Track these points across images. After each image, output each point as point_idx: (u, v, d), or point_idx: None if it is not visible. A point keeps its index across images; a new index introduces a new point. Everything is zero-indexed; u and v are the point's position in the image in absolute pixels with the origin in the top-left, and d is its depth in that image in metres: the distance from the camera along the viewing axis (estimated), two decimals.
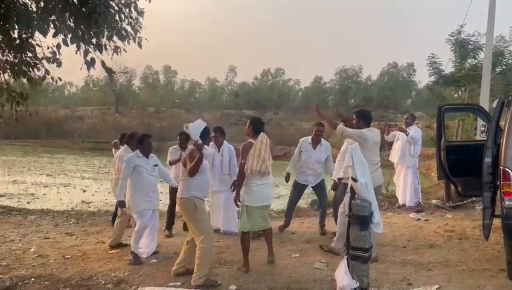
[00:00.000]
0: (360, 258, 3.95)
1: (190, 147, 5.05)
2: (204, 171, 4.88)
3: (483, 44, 13.30)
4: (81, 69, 4.55)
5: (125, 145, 6.51)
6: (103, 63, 4.61)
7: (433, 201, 8.90)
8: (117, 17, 4.88)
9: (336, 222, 6.79)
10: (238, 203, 5.26)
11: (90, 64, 4.50)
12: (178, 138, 6.85)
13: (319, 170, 6.78)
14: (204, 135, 4.89)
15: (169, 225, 6.94)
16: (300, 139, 6.88)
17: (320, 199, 7.09)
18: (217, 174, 6.66)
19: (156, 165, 5.70)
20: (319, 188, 6.89)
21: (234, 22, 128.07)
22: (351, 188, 4.29)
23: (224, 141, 6.77)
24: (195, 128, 4.82)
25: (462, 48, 15.65)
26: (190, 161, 4.72)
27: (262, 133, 5.15)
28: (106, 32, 4.71)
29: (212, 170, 6.70)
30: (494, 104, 5.54)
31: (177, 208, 5.74)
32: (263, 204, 5.17)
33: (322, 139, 6.73)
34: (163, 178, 6.08)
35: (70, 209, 9.77)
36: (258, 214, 5.15)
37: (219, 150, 6.71)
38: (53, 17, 4.26)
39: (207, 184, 5.09)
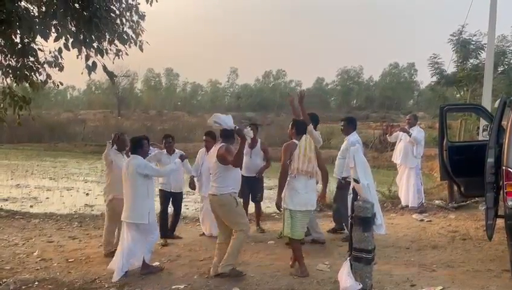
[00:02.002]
0: (363, 260, 3.95)
1: (221, 144, 4.97)
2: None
3: (485, 44, 13.25)
4: (82, 73, 4.57)
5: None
6: (104, 67, 4.63)
7: (436, 202, 8.86)
8: (118, 21, 4.90)
9: (335, 221, 6.80)
10: (281, 208, 5.04)
11: (91, 68, 4.52)
12: (164, 142, 6.73)
13: None
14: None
15: (172, 229, 6.82)
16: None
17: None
18: (205, 180, 6.51)
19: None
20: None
21: (235, 24, 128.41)
22: (353, 189, 4.29)
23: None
24: (226, 118, 4.92)
25: (464, 47, 15.58)
26: (230, 155, 4.75)
27: (305, 134, 5.16)
28: (107, 36, 4.73)
29: (199, 176, 6.72)
30: (496, 104, 5.53)
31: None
32: (306, 209, 4.96)
33: None
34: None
35: (73, 212, 9.77)
36: (302, 219, 4.96)
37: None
38: (55, 21, 4.28)
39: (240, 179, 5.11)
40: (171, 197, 6.75)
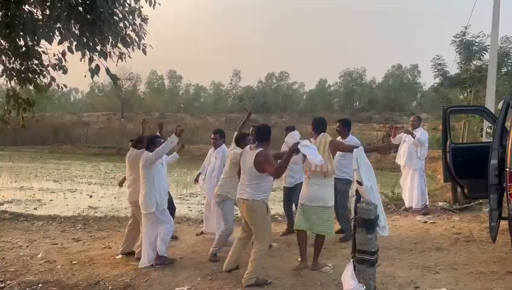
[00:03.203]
0: (366, 262, 3.94)
1: (258, 149, 4.75)
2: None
3: (488, 45, 13.24)
4: (85, 76, 4.59)
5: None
6: (108, 70, 4.64)
7: (440, 203, 8.85)
8: (121, 24, 4.92)
9: (340, 223, 6.78)
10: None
11: (94, 71, 4.53)
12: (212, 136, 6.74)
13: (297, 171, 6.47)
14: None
15: None
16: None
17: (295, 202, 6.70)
18: (208, 179, 6.51)
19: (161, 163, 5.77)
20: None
21: (238, 25, 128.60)
22: (357, 191, 4.29)
23: (223, 145, 6.59)
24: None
25: (467, 49, 15.57)
26: (269, 164, 4.61)
27: (323, 133, 5.21)
28: (111, 39, 4.74)
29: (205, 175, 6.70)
30: (500, 106, 5.52)
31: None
32: (318, 205, 5.05)
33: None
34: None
35: (77, 214, 9.79)
36: (313, 214, 5.07)
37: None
38: (58, 24, 4.29)
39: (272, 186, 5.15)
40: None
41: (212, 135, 6.65)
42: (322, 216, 5.07)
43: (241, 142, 5.69)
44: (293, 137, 5.99)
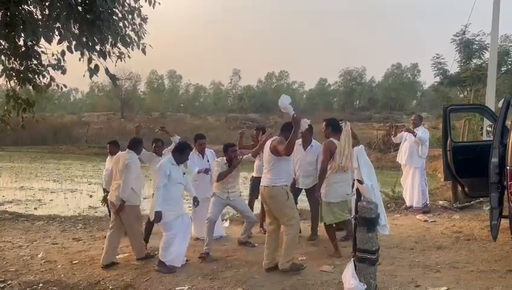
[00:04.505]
0: (367, 261, 3.94)
1: (275, 137, 5.14)
2: (290, 158, 5.12)
3: (488, 44, 13.24)
4: (83, 76, 4.58)
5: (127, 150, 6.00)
6: (107, 70, 4.63)
7: (440, 202, 8.84)
8: (121, 24, 4.90)
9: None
10: (320, 199, 5.57)
11: (93, 71, 4.52)
12: (154, 145, 6.81)
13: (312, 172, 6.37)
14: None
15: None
16: None
17: (311, 203, 6.58)
18: (200, 182, 6.48)
19: (184, 174, 5.58)
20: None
21: (238, 25, 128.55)
22: (357, 190, 4.29)
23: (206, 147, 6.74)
24: (286, 99, 4.98)
25: (467, 48, 15.57)
26: (280, 144, 4.91)
27: (343, 130, 5.42)
28: (110, 39, 4.73)
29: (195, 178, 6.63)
30: (500, 104, 5.51)
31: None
32: (341, 199, 5.49)
33: (312, 140, 6.48)
34: (187, 188, 5.71)
35: (77, 214, 9.82)
36: (337, 208, 5.49)
37: (203, 157, 6.63)
38: (58, 24, 4.28)
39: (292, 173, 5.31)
40: None
41: (199, 140, 6.73)
42: (344, 209, 5.52)
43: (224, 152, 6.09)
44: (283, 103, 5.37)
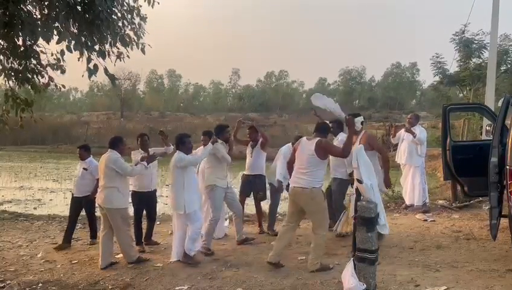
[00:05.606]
0: (366, 260, 3.94)
1: (315, 138, 5.01)
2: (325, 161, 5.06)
3: (488, 43, 13.23)
4: (82, 76, 4.55)
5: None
6: (106, 70, 4.61)
7: (440, 201, 8.84)
8: (120, 24, 4.89)
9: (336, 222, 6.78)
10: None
11: (92, 71, 4.51)
12: (201, 138, 6.57)
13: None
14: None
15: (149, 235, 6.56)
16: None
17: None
18: (200, 182, 6.40)
19: None
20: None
21: (237, 24, 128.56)
22: (357, 189, 4.30)
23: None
24: (331, 103, 5.34)
25: (467, 47, 15.55)
26: (334, 147, 5.02)
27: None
28: (109, 39, 4.72)
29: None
30: (500, 103, 5.51)
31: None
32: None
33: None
34: None
35: None
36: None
37: None
38: (57, 24, 4.28)
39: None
40: (144, 198, 6.39)
41: (202, 137, 6.66)
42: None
43: (219, 134, 6.16)
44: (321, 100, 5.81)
